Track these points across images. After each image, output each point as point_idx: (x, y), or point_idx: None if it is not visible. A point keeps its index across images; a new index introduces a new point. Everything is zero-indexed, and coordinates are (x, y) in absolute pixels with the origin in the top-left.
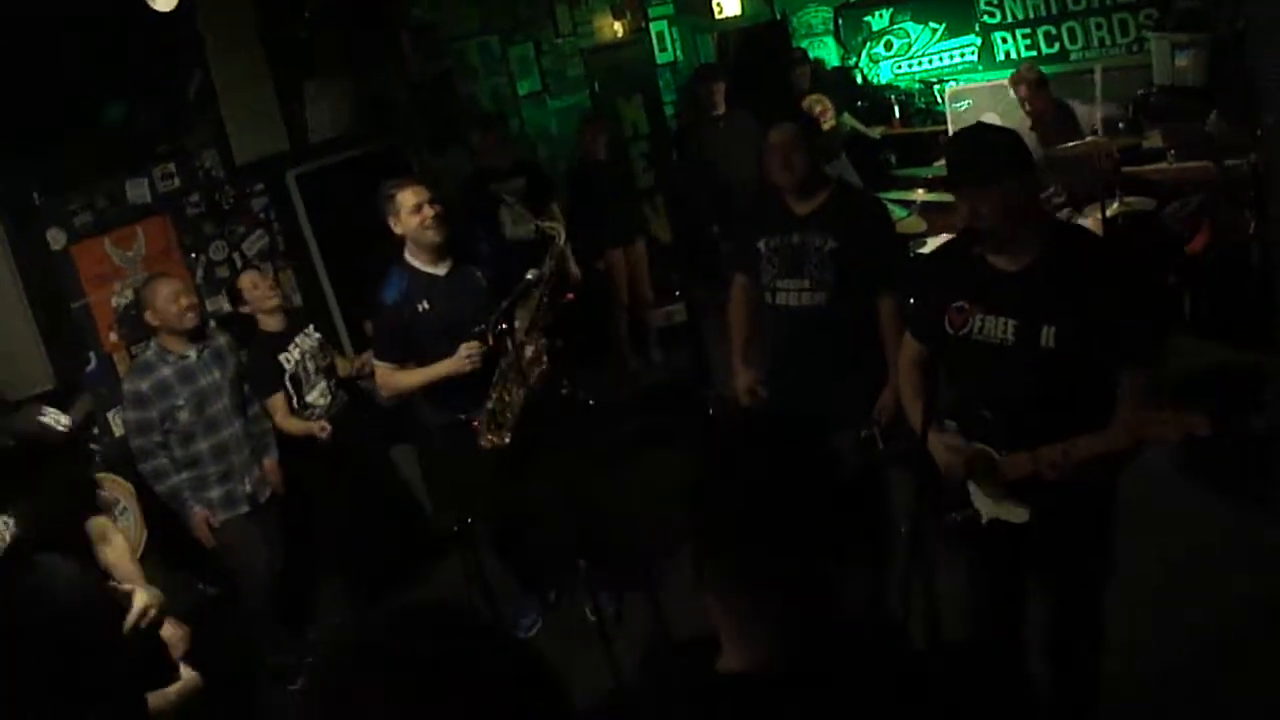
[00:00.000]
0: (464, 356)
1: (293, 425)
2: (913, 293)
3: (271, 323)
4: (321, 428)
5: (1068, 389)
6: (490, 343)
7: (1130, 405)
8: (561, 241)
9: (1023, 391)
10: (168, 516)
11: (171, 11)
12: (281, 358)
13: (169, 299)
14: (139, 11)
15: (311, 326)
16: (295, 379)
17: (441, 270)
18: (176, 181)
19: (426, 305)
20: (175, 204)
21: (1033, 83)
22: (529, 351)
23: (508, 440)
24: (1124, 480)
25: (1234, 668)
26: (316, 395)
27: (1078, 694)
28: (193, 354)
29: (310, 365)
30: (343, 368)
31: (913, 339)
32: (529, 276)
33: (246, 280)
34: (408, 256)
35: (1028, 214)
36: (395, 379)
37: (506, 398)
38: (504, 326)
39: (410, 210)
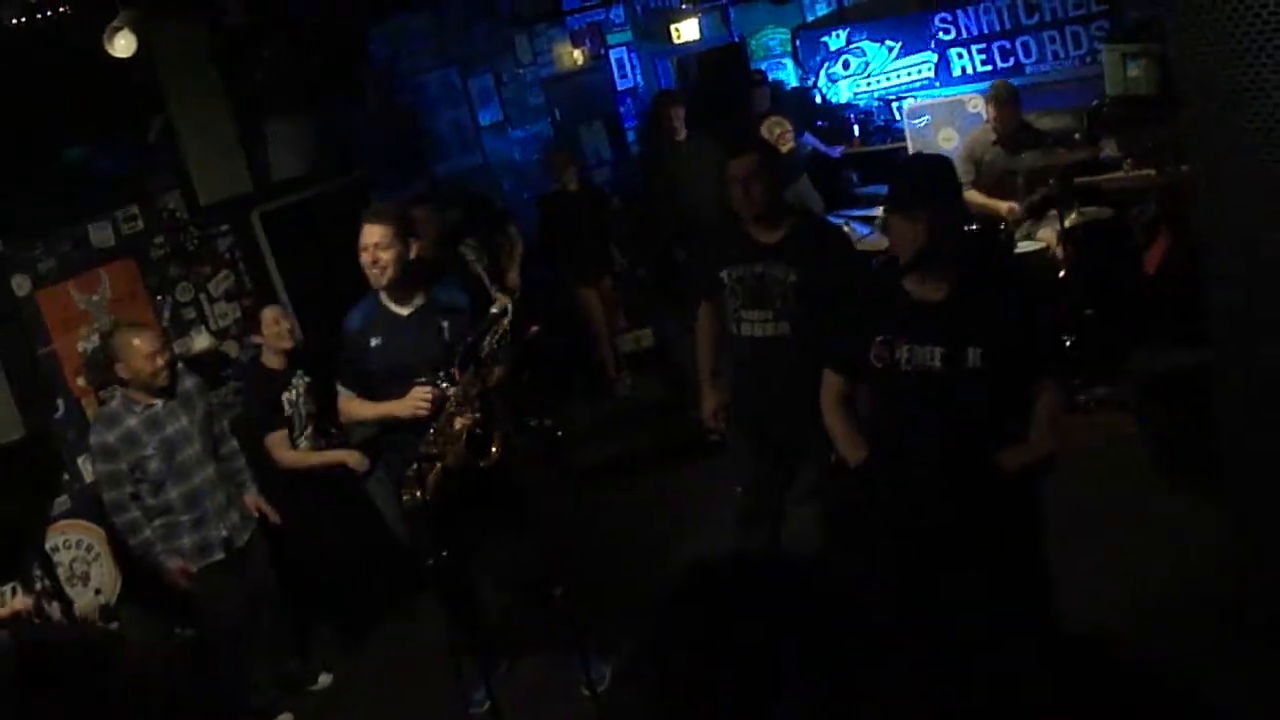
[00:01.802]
0: (414, 400)
1: (293, 458)
2: (837, 328)
3: (275, 361)
4: (360, 459)
5: (994, 409)
6: (440, 391)
7: (1049, 414)
8: (507, 322)
9: (955, 414)
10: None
11: (131, 56)
12: (284, 397)
13: (144, 357)
14: (99, 57)
15: (300, 371)
16: (290, 420)
17: (404, 310)
18: (140, 224)
19: (379, 341)
20: (139, 247)
21: (1005, 99)
22: (457, 424)
23: (426, 499)
24: (1083, 481)
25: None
26: (303, 440)
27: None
28: (159, 403)
29: (302, 409)
30: None
31: (835, 374)
32: (494, 310)
33: (270, 314)
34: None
35: (952, 240)
36: (350, 406)
37: (430, 461)
38: (449, 384)
39: (361, 249)
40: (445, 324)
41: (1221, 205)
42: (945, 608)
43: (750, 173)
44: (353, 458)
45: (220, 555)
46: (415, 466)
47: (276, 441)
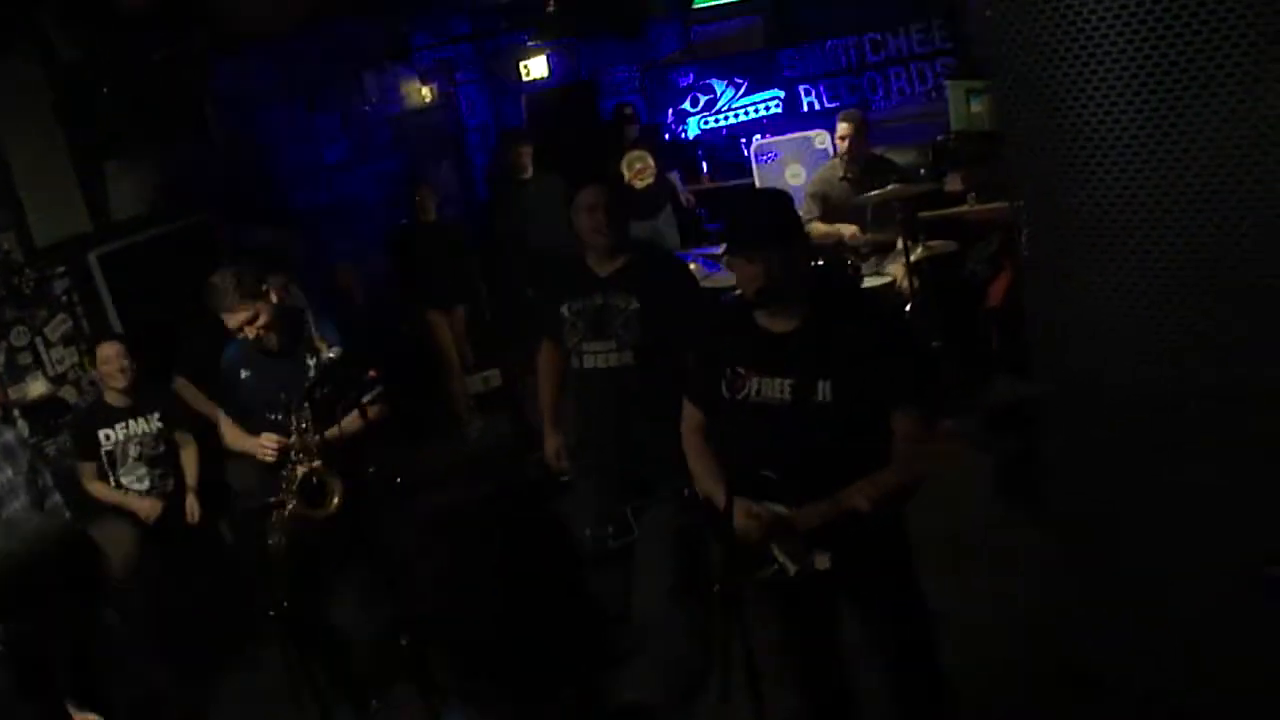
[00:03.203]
0: (262, 444)
1: (101, 491)
2: (692, 360)
3: (114, 398)
4: (153, 506)
5: (847, 439)
6: (288, 437)
7: (905, 444)
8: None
9: (805, 447)
10: None
11: None
12: (101, 433)
13: None
14: None
15: (157, 415)
16: (110, 455)
17: (272, 346)
18: None
19: (248, 374)
20: None
21: (858, 125)
22: (298, 472)
23: (283, 542)
24: (928, 512)
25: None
26: (132, 479)
27: None
28: None
29: (132, 449)
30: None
31: (693, 407)
32: (314, 361)
33: (108, 349)
34: None
35: (795, 276)
36: (229, 432)
37: (291, 504)
38: (302, 427)
39: (234, 329)
40: (312, 362)
41: (1036, 243)
42: (806, 640)
43: (598, 201)
44: (142, 508)
45: None
46: (276, 513)
47: (85, 470)
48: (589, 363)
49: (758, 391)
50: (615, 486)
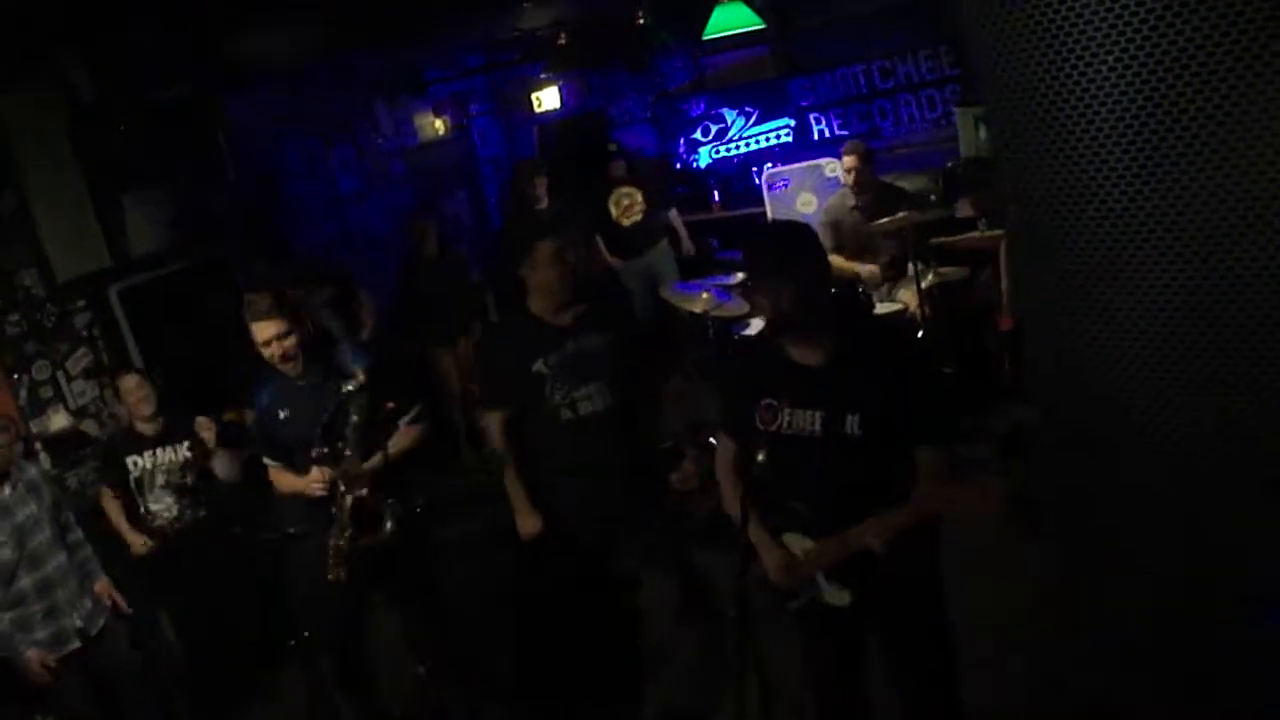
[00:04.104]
0: (311, 480)
1: (112, 512)
2: (722, 392)
3: (144, 426)
4: (144, 543)
5: (875, 474)
6: (329, 467)
7: (929, 481)
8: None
9: (833, 480)
10: None
11: None
12: (129, 460)
13: None
14: None
15: (186, 444)
16: (139, 482)
17: (306, 381)
18: None
19: (287, 413)
20: None
21: (860, 158)
22: (347, 501)
23: (343, 575)
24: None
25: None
26: (160, 507)
27: None
28: (6, 489)
29: (160, 477)
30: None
31: (728, 438)
32: (349, 388)
33: (130, 381)
34: None
35: (814, 307)
36: (278, 478)
37: (347, 534)
38: (340, 460)
39: (262, 345)
40: (349, 388)
41: (1033, 275)
42: (827, 669)
43: (561, 251)
44: (134, 543)
45: (76, 644)
46: (334, 544)
47: (105, 492)
48: (584, 408)
49: (789, 423)
50: (616, 520)
